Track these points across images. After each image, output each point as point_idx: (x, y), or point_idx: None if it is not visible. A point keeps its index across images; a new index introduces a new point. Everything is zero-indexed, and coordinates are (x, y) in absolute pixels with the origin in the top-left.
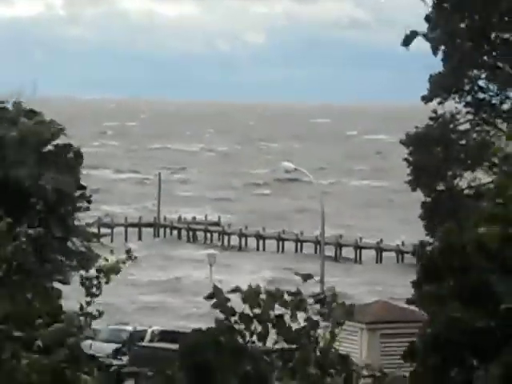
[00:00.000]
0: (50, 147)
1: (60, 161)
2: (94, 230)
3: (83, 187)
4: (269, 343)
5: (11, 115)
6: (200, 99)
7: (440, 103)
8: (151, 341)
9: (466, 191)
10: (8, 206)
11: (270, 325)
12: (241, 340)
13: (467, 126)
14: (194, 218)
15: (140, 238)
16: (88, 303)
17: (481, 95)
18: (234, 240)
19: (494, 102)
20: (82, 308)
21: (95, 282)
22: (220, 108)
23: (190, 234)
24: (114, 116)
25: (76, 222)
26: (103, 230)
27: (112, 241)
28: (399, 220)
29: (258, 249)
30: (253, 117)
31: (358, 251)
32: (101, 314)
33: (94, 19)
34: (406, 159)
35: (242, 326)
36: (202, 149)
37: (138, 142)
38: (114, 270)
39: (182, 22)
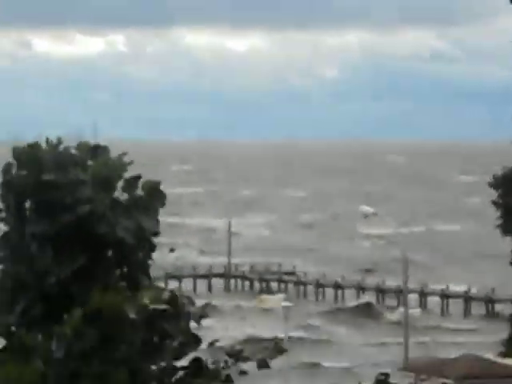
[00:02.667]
0: (120, 183)
1: (135, 200)
2: (162, 283)
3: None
4: None
5: (77, 158)
6: (270, 137)
7: None
8: None
9: None
10: (85, 255)
11: None
12: None
13: None
14: (268, 268)
15: (209, 290)
16: None
17: None
18: (311, 290)
19: None
20: None
21: None
22: (292, 145)
23: (264, 284)
24: (184, 158)
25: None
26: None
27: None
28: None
29: (336, 299)
30: (330, 155)
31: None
32: None
33: (157, 56)
34: (494, 202)
35: None
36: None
37: (213, 185)
38: None
39: (251, 57)
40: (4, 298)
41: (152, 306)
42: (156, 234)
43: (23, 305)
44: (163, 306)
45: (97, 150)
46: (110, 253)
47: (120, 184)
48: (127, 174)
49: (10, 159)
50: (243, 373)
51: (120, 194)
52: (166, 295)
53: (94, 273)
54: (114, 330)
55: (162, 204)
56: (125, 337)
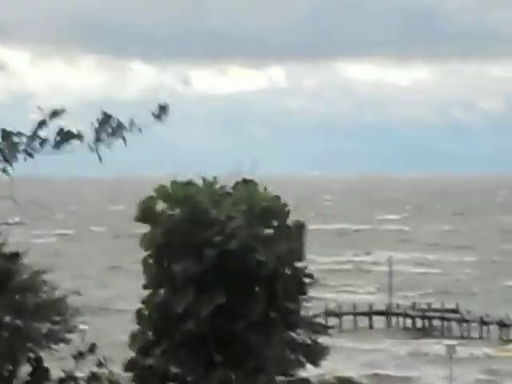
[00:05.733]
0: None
1: (285, 237)
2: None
3: (309, 274)
4: None
5: (235, 195)
6: (432, 172)
7: None
8: None
9: None
10: (230, 290)
11: None
12: None
13: None
14: (430, 305)
15: (371, 327)
16: None
17: None
18: (475, 329)
19: None
20: None
21: None
22: (456, 180)
23: (426, 322)
24: (345, 190)
25: (303, 312)
26: (331, 320)
27: (341, 331)
28: None
29: (500, 338)
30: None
31: None
32: None
33: (317, 90)
34: None
35: None
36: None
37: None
38: None
39: (413, 90)
40: (145, 339)
41: None
42: (308, 275)
43: (164, 347)
44: None
45: (254, 187)
46: (256, 288)
47: (270, 218)
48: (279, 207)
49: (165, 196)
50: None
51: (267, 227)
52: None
53: (238, 309)
54: None
55: (305, 240)
56: None
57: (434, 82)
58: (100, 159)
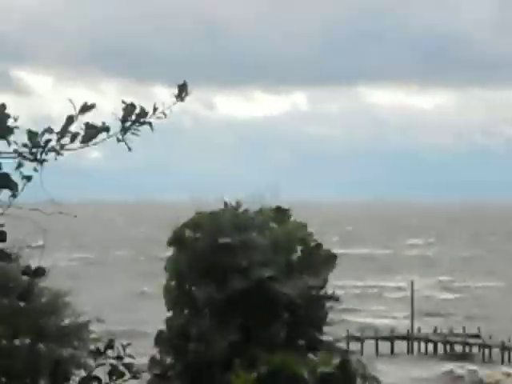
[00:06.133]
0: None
1: (309, 264)
2: (343, 344)
3: (333, 297)
4: None
5: (259, 221)
6: (453, 198)
7: None
8: None
9: None
10: (254, 316)
11: None
12: None
13: None
14: (452, 330)
15: (392, 352)
16: None
17: None
18: (496, 354)
19: None
20: None
21: None
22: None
23: (448, 347)
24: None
25: (325, 337)
26: (352, 345)
27: (362, 354)
28: None
29: None
30: None
31: None
32: None
33: (339, 116)
34: None
35: None
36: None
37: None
38: None
39: (436, 115)
40: (163, 361)
41: (321, 369)
42: (333, 298)
43: (179, 369)
44: (331, 370)
45: (279, 213)
46: (282, 314)
47: (298, 248)
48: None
49: (190, 222)
50: None
51: (294, 257)
52: (337, 360)
53: (261, 334)
54: None
55: (333, 267)
56: None
57: (457, 106)
58: (129, 149)
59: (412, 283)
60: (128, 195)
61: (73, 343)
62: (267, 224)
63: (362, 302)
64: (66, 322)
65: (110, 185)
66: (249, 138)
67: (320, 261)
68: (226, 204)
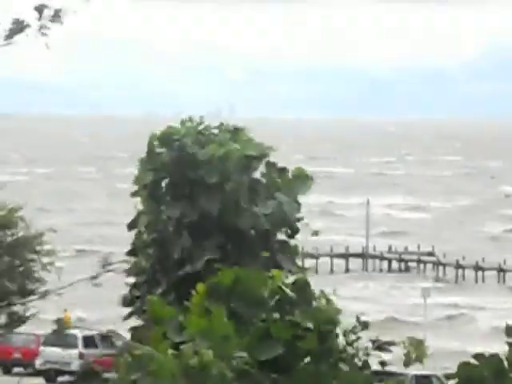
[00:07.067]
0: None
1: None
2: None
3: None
4: None
5: (218, 138)
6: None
7: None
8: None
9: None
10: (230, 237)
11: None
12: None
13: None
14: (406, 248)
15: (347, 270)
16: None
17: None
18: (450, 272)
19: None
20: None
21: None
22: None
23: (402, 265)
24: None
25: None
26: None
27: (317, 272)
28: None
29: (476, 281)
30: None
31: None
32: None
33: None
34: None
35: None
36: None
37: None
38: None
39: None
40: (144, 278)
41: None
42: (298, 219)
43: (162, 289)
44: (289, 292)
45: (238, 132)
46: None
47: (261, 166)
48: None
49: (151, 139)
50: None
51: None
52: (291, 280)
53: (231, 260)
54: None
55: (308, 189)
56: (256, 315)
57: (410, 24)
58: (47, 47)
59: (368, 201)
60: (85, 109)
61: (26, 256)
62: (228, 141)
63: (320, 219)
64: (19, 234)
65: (69, 101)
66: (203, 57)
67: (292, 180)
68: (189, 119)
